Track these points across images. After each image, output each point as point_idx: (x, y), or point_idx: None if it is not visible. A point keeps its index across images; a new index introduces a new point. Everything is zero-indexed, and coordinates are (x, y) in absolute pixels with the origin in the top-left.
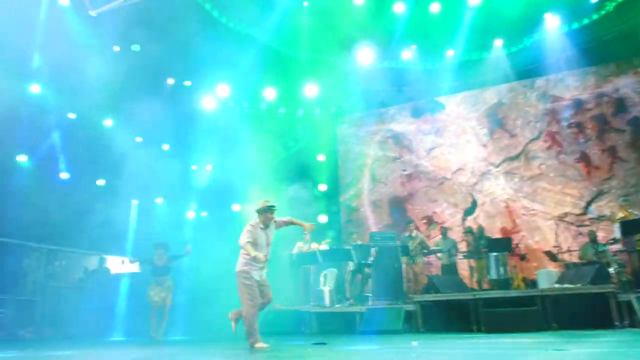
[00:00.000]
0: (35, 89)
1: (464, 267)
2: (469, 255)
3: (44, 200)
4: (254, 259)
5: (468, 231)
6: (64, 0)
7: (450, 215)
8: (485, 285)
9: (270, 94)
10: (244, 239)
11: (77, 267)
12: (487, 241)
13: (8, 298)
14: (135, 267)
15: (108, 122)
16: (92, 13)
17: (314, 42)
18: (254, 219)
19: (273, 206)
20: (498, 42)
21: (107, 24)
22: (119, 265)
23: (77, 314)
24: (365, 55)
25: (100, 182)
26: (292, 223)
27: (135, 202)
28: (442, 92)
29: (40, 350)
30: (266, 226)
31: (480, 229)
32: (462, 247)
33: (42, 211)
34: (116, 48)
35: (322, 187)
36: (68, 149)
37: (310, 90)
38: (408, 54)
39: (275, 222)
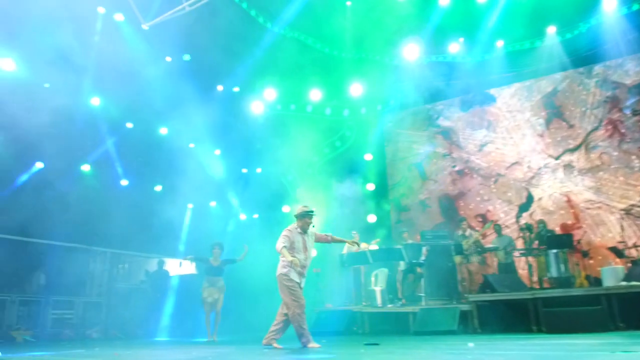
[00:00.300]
0: (95, 101)
1: (522, 265)
2: (526, 253)
3: (106, 206)
4: (291, 263)
5: (525, 228)
6: (118, 16)
7: (504, 213)
8: (546, 284)
9: (315, 95)
10: (280, 244)
11: (138, 269)
12: (545, 238)
13: (76, 300)
14: (192, 269)
15: (163, 130)
16: (145, 26)
17: (358, 41)
18: (293, 223)
19: (312, 211)
20: (551, 29)
21: (159, 36)
22: (176, 267)
23: (139, 315)
24: (411, 51)
25: (158, 188)
26: (333, 240)
27: (190, 205)
28: (493, 84)
29: (105, 349)
30: (304, 231)
31: (541, 223)
32: (519, 244)
33: (106, 217)
34: (168, 59)
35: (370, 187)
36: (126, 156)
37: (356, 89)
38: (455, 47)
39: (314, 231)
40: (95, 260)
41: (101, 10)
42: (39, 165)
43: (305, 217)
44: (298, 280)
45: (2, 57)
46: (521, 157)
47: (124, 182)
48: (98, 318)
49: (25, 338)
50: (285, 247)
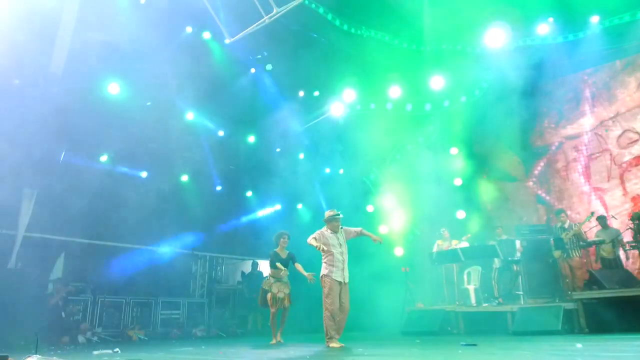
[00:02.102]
0: (189, 115)
1: (633, 259)
2: (636, 245)
3: (204, 213)
4: (332, 261)
5: (635, 217)
6: (206, 33)
7: (611, 200)
8: None
9: (395, 92)
10: (310, 238)
11: (235, 271)
12: None
13: (182, 301)
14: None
15: (251, 138)
16: (227, 41)
17: (436, 33)
18: (322, 228)
19: (338, 214)
20: None
21: (243, 49)
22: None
23: (237, 314)
24: (495, 37)
25: (249, 194)
26: (362, 234)
27: (278, 206)
28: (589, 64)
29: (211, 347)
30: (335, 232)
31: None
32: (628, 236)
33: (204, 224)
34: (252, 70)
35: (458, 182)
36: (218, 164)
37: (437, 82)
38: (544, 28)
39: (344, 229)
40: (196, 263)
41: (189, 29)
42: (144, 174)
43: (333, 220)
44: (340, 279)
45: (110, 83)
46: (630, 137)
47: (219, 188)
48: (202, 318)
49: (139, 337)
50: (314, 238)
